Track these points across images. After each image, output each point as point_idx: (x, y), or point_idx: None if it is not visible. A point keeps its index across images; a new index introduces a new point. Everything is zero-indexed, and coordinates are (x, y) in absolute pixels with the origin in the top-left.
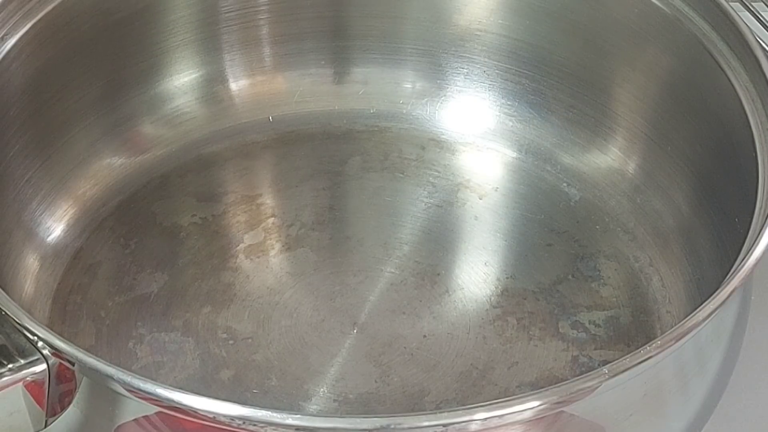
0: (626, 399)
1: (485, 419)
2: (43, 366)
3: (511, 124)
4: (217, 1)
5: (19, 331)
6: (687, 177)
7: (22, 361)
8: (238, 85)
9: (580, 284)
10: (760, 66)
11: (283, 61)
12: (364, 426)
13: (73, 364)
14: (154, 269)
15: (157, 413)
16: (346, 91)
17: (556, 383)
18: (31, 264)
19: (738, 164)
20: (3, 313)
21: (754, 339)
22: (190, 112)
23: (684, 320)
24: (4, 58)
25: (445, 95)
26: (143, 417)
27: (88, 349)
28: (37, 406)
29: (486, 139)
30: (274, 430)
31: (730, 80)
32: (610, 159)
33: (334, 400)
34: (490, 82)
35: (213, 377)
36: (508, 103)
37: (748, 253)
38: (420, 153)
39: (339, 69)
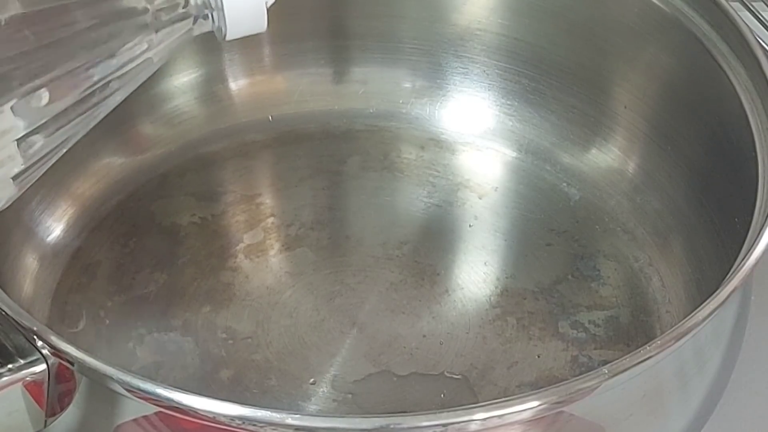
0: (626, 399)
1: (485, 419)
2: (43, 366)
3: (510, 123)
4: None
5: (19, 331)
6: (687, 177)
7: (22, 361)
8: (237, 84)
9: (579, 284)
10: (760, 66)
11: (282, 60)
12: (364, 426)
13: (73, 364)
14: (154, 269)
15: (157, 413)
16: (346, 91)
17: (555, 383)
18: (30, 263)
19: (738, 164)
20: (2, 312)
21: (754, 339)
22: (190, 111)
23: (684, 320)
24: None
25: (444, 95)
26: (143, 417)
27: (88, 349)
28: (37, 406)
29: (485, 139)
30: (273, 430)
31: (730, 80)
32: (610, 159)
33: (334, 400)
34: (489, 82)
35: (212, 377)
36: (508, 102)
37: (748, 253)
38: (419, 153)
39: (338, 68)
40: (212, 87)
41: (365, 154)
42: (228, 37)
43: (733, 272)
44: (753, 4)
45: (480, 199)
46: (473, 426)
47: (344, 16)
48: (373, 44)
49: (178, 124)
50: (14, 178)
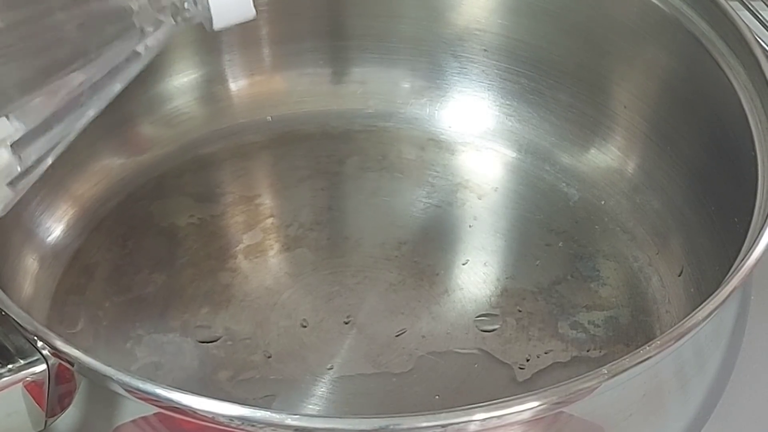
0: (626, 399)
1: (484, 420)
2: (43, 366)
3: (510, 123)
4: None
5: (19, 331)
6: (686, 176)
7: (22, 362)
8: (236, 85)
9: (579, 284)
10: (759, 65)
11: (281, 61)
12: (363, 426)
13: (73, 365)
14: (152, 270)
15: (156, 414)
16: (344, 91)
17: (555, 383)
18: (30, 264)
19: (737, 164)
20: (2, 313)
21: (754, 339)
22: (189, 112)
23: (683, 320)
24: None
25: (443, 95)
26: (142, 418)
27: (87, 350)
28: (37, 406)
29: (485, 139)
30: (273, 430)
31: (729, 79)
32: (610, 159)
33: (333, 401)
34: (488, 82)
35: (211, 378)
36: (507, 102)
37: (747, 253)
38: (419, 153)
39: (337, 69)
40: (211, 88)
41: (364, 155)
42: (215, 26)
43: (733, 272)
44: (752, 3)
45: (479, 199)
46: (473, 426)
47: (343, 17)
48: (372, 44)
49: (177, 125)
50: (10, 183)
